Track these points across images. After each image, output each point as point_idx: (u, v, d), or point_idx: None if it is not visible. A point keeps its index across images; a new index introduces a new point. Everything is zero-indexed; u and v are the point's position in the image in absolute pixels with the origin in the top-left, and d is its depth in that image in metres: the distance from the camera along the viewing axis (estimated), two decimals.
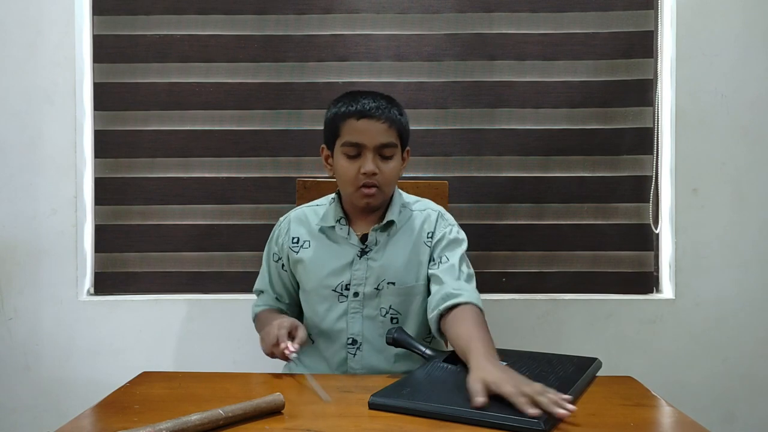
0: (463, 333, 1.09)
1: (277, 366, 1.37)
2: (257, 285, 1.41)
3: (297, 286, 1.35)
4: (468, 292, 1.19)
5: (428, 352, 1.14)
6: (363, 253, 1.26)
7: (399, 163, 1.26)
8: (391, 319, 1.26)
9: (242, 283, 1.87)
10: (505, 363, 1.08)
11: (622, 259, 1.88)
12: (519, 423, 0.84)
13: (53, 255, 1.82)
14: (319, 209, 1.33)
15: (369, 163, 1.20)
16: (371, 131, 1.20)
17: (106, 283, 1.88)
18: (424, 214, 1.31)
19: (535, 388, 0.88)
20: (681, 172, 1.83)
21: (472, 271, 1.28)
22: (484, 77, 1.86)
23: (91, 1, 1.85)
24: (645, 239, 1.88)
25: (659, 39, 1.86)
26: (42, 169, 1.82)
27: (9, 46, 1.80)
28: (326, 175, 1.83)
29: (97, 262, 1.88)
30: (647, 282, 1.89)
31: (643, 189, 1.88)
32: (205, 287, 1.88)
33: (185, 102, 1.86)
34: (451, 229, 1.30)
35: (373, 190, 1.22)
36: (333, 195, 1.33)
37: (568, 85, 1.86)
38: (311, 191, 1.52)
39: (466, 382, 0.95)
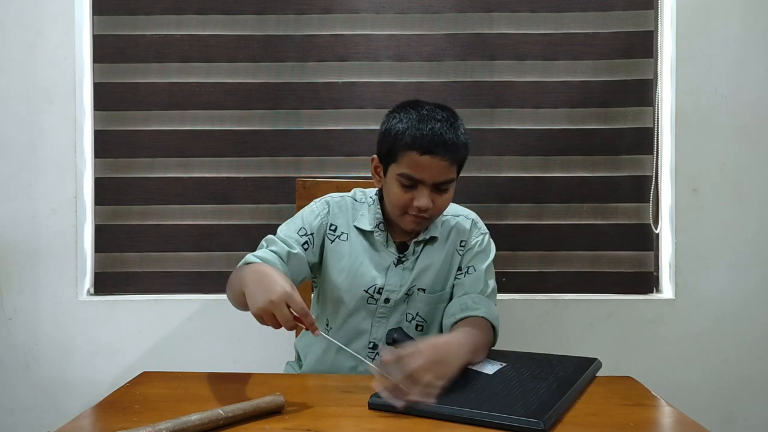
0: (455, 328, 1.10)
1: (277, 366, 1.37)
2: (267, 238, 1.24)
3: (307, 272, 1.25)
4: (486, 307, 1.20)
5: None
6: (399, 261, 1.25)
7: (452, 192, 1.21)
8: (417, 326, 1.25)
9: None
10: (504, 364, 1.08)
11: (622, 259, 1.88)
12: (518, 423, 0.84)
13: (53, 255, 1.82)
14: (359, 206, 1.28)
15: (424, 199, 1.15)
16: (432, 169, 1.14)
17: (106, 283, 1.88)
18: (457, 220, 1.30)
19: (422, 377, 0.91)
20: (681, 172, 1.83)
21: (495, 284, 1.28)
22: (484, 77, 1.86)
23: (91, 1, 1.85)
24: (645, 239, 1.88)
25: (659, 39, 1.86)
26: (42, 169, 1.82)
27: (9, 46, 1.80)
28: (326, 175, 1.84)
29: (97, 262, 1.88)
30: (647, 282, 1.89)
31: (643, 189, 1.88)
32: (205, 287, 1.88)
33: (185, 102, 1.86)
34: (483, 238, 1.30)
35: (421, 220, 1.19)
36: (374, 193, 1.29)
37: (568, 85, 1.86)
38: (311, 191, 1.52)
39: (462, 381, 0.96)
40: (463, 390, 0.95)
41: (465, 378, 1.01)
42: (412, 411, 0.91)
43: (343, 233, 1.26)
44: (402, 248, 1.26)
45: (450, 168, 1.16)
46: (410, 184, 1.16)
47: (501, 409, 0.87)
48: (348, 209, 1.28)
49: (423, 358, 0.93)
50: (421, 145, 1.13)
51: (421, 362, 0.92)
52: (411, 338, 1.17)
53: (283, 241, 1.21)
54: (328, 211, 1.27)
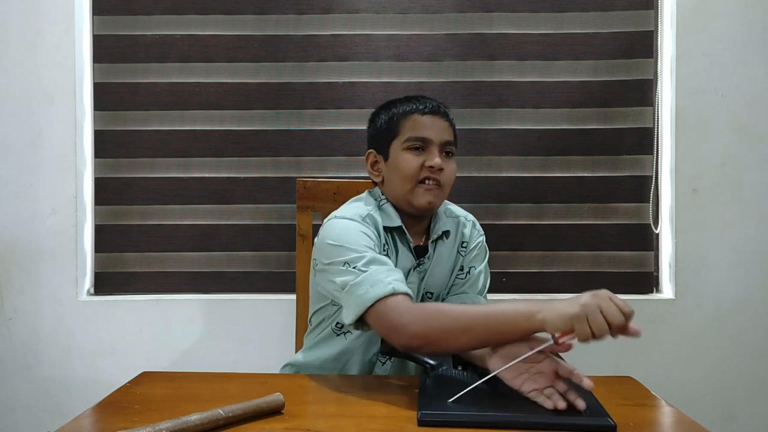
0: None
1: (277, 366, 1.37)
2: (349, 263, 1.07)
3: None
4: None
5: (430, 360, 1.10)
6: (418, 265, 1.23)
7: (456, 165, 1.23)
8: None
9: (242, 283, 1.87)
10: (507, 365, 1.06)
11: (622, 259, 1.88)
12: (591, 422, 0.84)
13: (53, 255, 1.82)
14: (376, 213, 1.20)
15: (436, 157, 1.16)
16: (436, 127, 1.19)
17: (106, 283, 1.88)
18: (459, 221, 1.30)
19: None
20: (681, 172, 1.83)
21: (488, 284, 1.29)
22: (484, 77, 1.86)
23: (91, 1, 1.85)
24: (645, 239, 1.88)
25: (659, 39, 1.86)
26: (42, 169, 1.82)
27: (9, 46, 1.80)
28: (327, 175, 1.84)
29: (97, 262, 1.88)
30: (647, 282, 1.89)
31: (643, 189, 1.88)
32: (205, 287, 1.88)
33: (185, 102, 1.86)
34: (482, 239, 1.31)
35: (434, 188, 1.16)
36: (382, 199, 1.24)
37: (568, 85, 1.86)
38: (311, 191, 1.52)
39: (494, 388, 0.93)
40: (505, 396, 0.91)
41: (493, 383, 0.95)
42: (472, 423, 0.85)
43: (385, 250, 1.20)
44: (419, 252, 1.23)
45: (450, 130, 1.21)
46: (419, 145, 1.18)
47: (572, 413, 0.86)
48: (374, 221, 1.19)
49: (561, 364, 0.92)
50: (419, 107, 1.20)
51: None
52: None
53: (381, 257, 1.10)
54: (378, 236, 1.17)
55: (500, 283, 1.86)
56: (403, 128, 1.19)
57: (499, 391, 0.94)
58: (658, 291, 1.90)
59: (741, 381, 1.83)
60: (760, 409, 1.83)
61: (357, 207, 1.21)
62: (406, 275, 1.19)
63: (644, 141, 1.87)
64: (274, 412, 0.90)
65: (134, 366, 1.23)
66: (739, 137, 1.82)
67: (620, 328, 0.88)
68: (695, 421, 0.91)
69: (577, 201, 1.87)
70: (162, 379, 1.10)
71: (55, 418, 1.79)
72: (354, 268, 1.06)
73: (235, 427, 0.85)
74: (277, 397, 0.91)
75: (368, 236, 1.13)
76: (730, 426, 1.83)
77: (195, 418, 0.82)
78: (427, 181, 1.17)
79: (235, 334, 1.83)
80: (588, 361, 1.17)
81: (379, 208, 1.23)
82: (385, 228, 1.19)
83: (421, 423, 0.86)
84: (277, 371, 1.32)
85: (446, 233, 1.25)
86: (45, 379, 1.82)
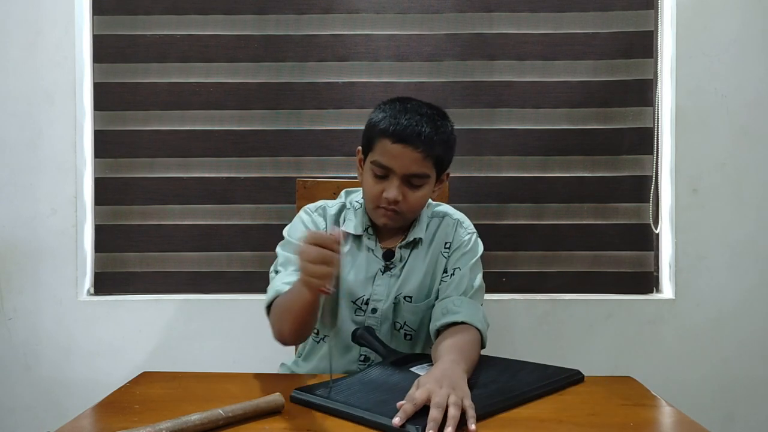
0: (442, 349, 1.04)
1: (277, 366, 1.37)
2: (277, 263, 1.21)
3: None
4: (468, 309, 1.15)
5: (385, 352, 1.12)
6: (386, 269, 1.22)
7: (428, 191, 1.18)
8: (405, 335, 1.23)
9: (242, 283, 1.87)
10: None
11: (622, 259, 1.88)
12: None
13: (53, 255, 1.82)
14: (347, 212, 1.26)
15: (393, 190, 1.13)
16: (403, 158, 1.12)
17: (106, 283, 1.88)
18: (442, 221, 1.27)
19: (441, 398, 0.83)
20: (681, 172, 1.83)
21: (482, 282, 1.24)
22: (484, 77, 1.86)
23: (91, 1, 1.85)
24: (645, 239, 1.88)
25: (659, 39, 1.86)
26: (42, 169, 1.82)
27: (9, 46, 1.80)
28: (327, 175, 1.84)
29: (97, 262, 1.88)
30: (647, 282, 1.89)
31: (643, 189, 1.88)
32: (205, 287, 1.88)
33: (185, 102, 1.86)
34: (469, 238, 1.26)
35: (391, 214, 1.16)
36: (361, 197, 1.26)
37: (568, 85, 1.86)
38: (311, 191, 1.52)
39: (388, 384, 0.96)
40: (385, 393, 0.93)
41: (395, 379, 0.99)
42: (327, 410, 0.89)
43: None
44: (388, 255, 1.22)
45: (423, 162, 1.13)
46: (382, 174, 1.15)
47: (385, 411, 0.84)
48: (337, 220, 1.26)
49: (428, 384, 0.87)
50: (394, 132, 1.12)
51: (427, 387, 0.86)
52: (375, 337, 1.15)
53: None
54: (326, 225, 1.24)
55: (500, 283, 1.86)
56: (375, 147, 1.15)
57: (383, 389, 0.95)
58: (658, 291, 1.90)
59: (741, 381, 1.83)
60: (760, 409, 1.83)
61: (325, 201, 1.29)
62: (373, 278, 1.21)
63: (644, 141, 1.87)
64: (273, 412, 0.90)
65: (134, 366, 1.24)
66: (739, 137, 1.82)
67: (328, 255, 0.92)
68: (695, 421, 0.91)
69: (577, 201, 1.87)
70: (162, 379, 1.10)
71: (55, 418, 1.79)
72: (275, 269, 1.20)
73: (234, 427, 0.85)
74: (276, 397, 0.91)
75: (307, 227, 1.23)
76: (730, 426, 1.83)
77: (195, 418, 0.82)
78: (384, 209, 1.16)
79: (235, 334, 1.83)
80: (588, 361, 1.18)
81: (354, 211, 1.25)
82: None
83: (292, 400, 0.94)
84: (276, 371, 1.32)
85: (419, 240, 1.24)
86: (45, 379, 1.82)
